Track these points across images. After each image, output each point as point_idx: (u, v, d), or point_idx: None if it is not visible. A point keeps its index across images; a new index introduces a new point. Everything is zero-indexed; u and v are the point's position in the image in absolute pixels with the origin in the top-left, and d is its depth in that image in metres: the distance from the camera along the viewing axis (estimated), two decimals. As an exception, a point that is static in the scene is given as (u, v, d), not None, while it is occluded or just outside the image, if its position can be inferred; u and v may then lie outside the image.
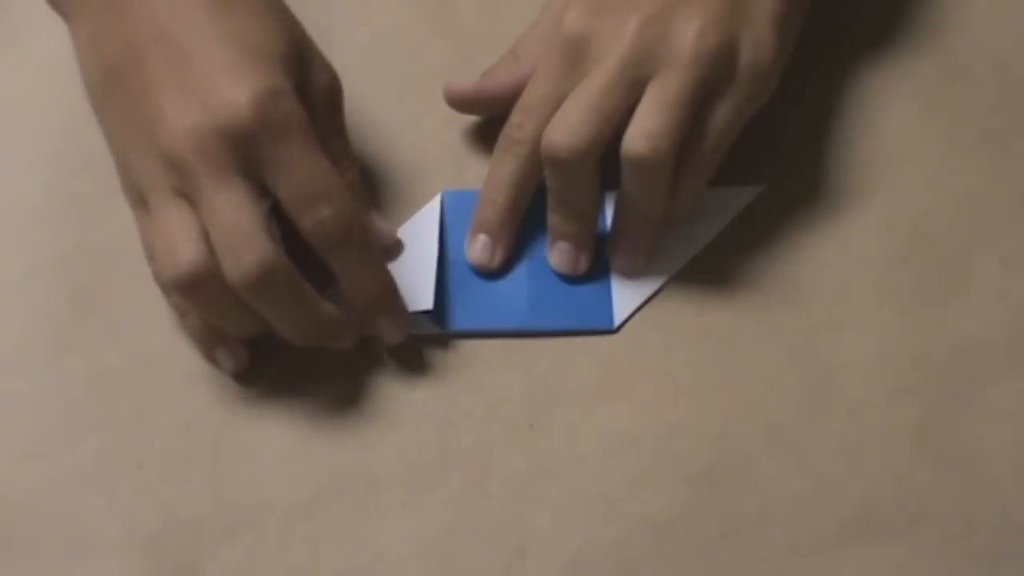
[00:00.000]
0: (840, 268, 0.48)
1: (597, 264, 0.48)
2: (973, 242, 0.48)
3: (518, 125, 0.46)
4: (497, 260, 0.48)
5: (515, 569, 0.44)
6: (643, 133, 0.44)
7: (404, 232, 0.49)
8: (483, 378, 0.47)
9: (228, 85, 0.41)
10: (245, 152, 0.42)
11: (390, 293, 0.46)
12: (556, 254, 0.48)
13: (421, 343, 0.47)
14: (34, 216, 0.49)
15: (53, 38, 0.52)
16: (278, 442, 0.46)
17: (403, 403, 0.47)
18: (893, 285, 0.48)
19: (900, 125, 0.51)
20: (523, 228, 0.49)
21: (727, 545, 0.44)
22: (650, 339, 0.47)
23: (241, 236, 0.41)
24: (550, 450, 0.46)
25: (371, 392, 0.47)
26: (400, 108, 0.51)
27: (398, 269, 0.47)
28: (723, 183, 0.48)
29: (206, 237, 0.42)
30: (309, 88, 0.45)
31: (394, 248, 0.48)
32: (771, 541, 0.44)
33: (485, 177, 0.48)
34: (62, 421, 0.46)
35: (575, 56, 0.45)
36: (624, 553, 0.44)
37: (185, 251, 0.42)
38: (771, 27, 0.45)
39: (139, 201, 0.45)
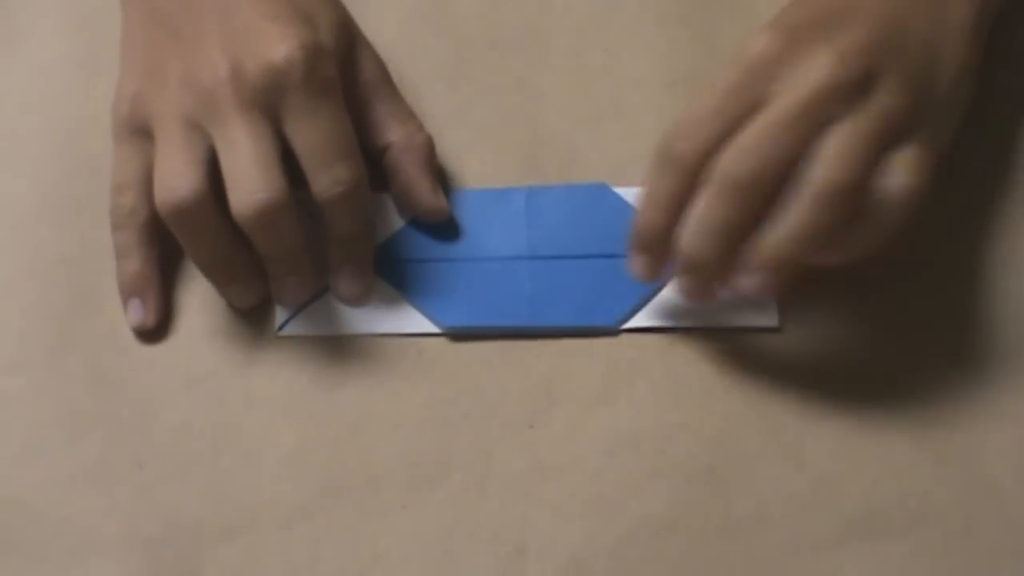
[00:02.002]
0: (840, 268, 0.48)
1: (600, 263, 0.48)
2: (973, 242, 0.48)
3: (686, 137, 0.43)
4: (655, 275, 0.45)
5: (515, 569, 0.44)
6: (827, 182, 0.41)
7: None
8: (483, 378, 0.47)
9: (277, 33, 0.43)
10: (279, 98, 0.43)
11: (369, 255, 0.47)
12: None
13: (421, 343, 0.47)
14: (34, 216, 0.49)
15: (53, 38, 0.52)
16: (278, 442, 0.46)
17: (403, 403, 0.47)
18: (892, 285, 0.48)
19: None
20: (526, 227, 0.49)
21: (727, 545, 0.44)
22: (650, 339, 0.47)
23: (260, 168, 0.43)
24: (550, 450, 0.46)
25: (371, 392, 0.47)
26: (400, 108, 0.51)
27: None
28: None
29: (211, 169, 0.44)
30: (354, 68, 0.47)
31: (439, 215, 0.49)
32: (771, 541, 0.44)
33: (643, 194, 0.44)
34: (62, 421, 0.46)
35: (763, 75, 0.42)
36: (624, 553, 0.44)
37: (188, 176, 0.43)
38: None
39: (136, 131, 0.46)
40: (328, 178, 0.44)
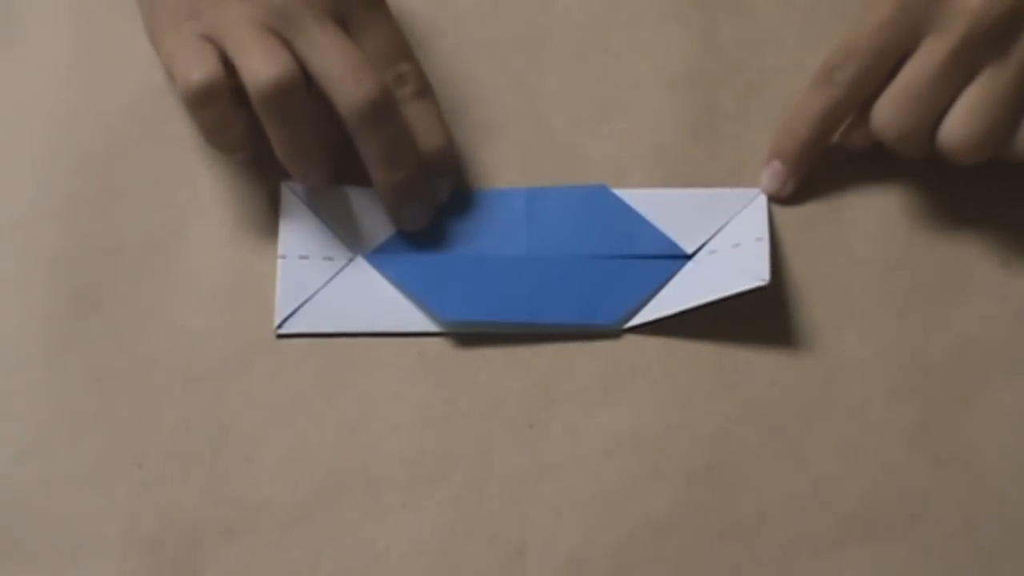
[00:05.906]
0: (840, 268, 0.48)
1: (600, 263, 0.48)
2: (973, 242, 0.49)
3: (840, 67, 0.46)
4: (788, 189, 0.48)
5: (515, 569, 0.44)
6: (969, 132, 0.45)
7: None
8: (483, 378, 0.47)
9: None
10: (343, 7, 0.46)
11: (451, 149, 0.48)
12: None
13: (421, 343, 0.47)
14: (34, 216, 0.49)
15: (53, 38, 0.52)
16: (278, 442, 0.46)
17: (403, 403, 0.47)
18: (893, 285, 0.48)
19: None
20: (525, 228, 0.49)
21: (727, 545, 0.44)
22: (650, 339, 0.47)
23: (357, 63, 0.44)
24: (550, 450, 0.46)
25: (371, 392, 0.47)
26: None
27: None
28: (724, 185, 0.48)
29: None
30: None
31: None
32: (771, 541, 0.44)
33: (792, 106, 0.48)
34: (62, 421, 0.46)
35: (914, 13, 0.45)
36: (624, 553, 0.44)
37: (279, 61, 0.43)
38: None
39: (203, 39, 0.45)
40: (391, 73, 0.46)
